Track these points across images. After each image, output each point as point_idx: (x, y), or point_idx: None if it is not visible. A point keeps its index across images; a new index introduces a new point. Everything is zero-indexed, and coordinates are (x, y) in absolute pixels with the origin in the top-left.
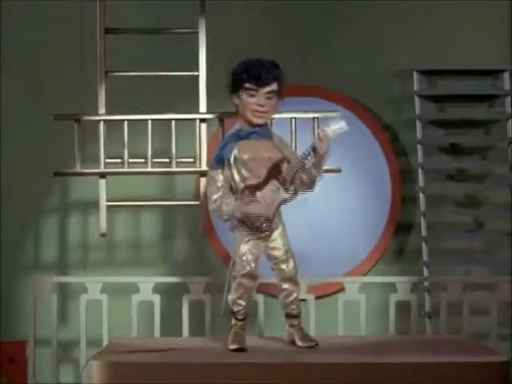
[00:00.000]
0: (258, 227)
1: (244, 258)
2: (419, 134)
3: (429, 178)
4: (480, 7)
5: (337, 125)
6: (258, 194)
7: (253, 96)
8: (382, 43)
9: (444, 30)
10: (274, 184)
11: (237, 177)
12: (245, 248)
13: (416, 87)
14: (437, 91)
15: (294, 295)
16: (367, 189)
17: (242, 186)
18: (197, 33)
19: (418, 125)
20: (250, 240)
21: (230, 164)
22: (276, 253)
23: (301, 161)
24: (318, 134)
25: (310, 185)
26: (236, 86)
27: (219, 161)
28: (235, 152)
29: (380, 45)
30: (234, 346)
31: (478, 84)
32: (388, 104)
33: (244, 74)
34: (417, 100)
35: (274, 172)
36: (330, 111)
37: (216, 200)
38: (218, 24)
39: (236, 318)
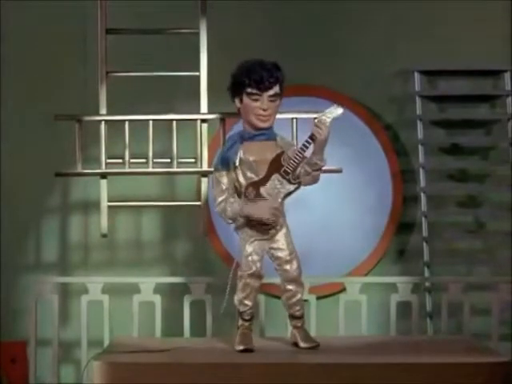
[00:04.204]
0: (265, 225)
1: (249, 258)
2: (420, 135)
3: (430, 178)
4: (480, 7)
5: (332, 110)
6: (262, 189)
7: (256, 100)
8: (383, 43)
9: (444, 30)
10: (276, 178)
11: (242, 179)
12: (250, 248)
13: (417, 87)
14: (438, 91)
15: (298, 296)
16: (368, 189)
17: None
18: (198, 33)
19: (419, 125)
20: (255, 240)
21: (235, 166)
22: (280, 253)
23: (300, 151)
24: (315, 121)
25: (313, 174)
26: (238, 89)
27: (224, 163)
28: (241, 154)
29: (381, 45)
30: (241, 347)
31: (479, 84)
32: (389, 104)
33: (246, 79)
34: (418, 100)
35: (276, 167)
36: None
37: (221, 202)
38: (218, 24)
39: (243, 319)
